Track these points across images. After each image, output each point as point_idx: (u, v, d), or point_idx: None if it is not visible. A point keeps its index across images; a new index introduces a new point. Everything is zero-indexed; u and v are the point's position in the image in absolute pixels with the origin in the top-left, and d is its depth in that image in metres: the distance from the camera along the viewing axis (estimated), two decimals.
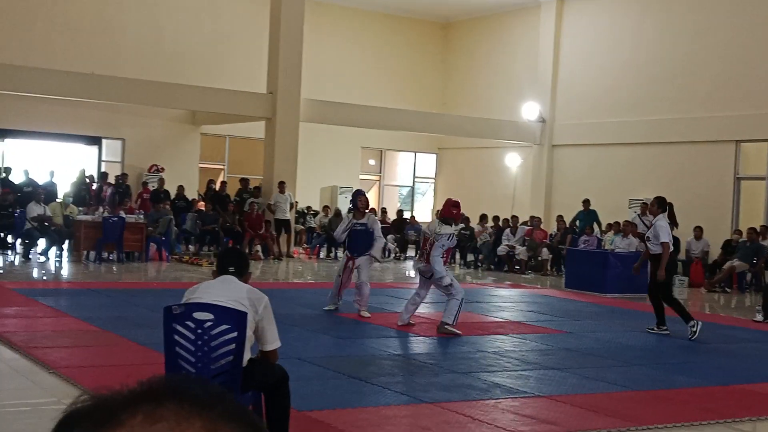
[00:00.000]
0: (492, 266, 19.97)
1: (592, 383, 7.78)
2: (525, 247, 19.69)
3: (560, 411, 6.72)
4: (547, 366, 8.48)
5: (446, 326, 9.94)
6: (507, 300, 14.28)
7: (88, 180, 20.33)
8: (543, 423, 6.32)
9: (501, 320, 11.68)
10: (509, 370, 8.17)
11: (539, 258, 19.66)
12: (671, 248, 10.77)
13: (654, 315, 11.09)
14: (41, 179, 19.25)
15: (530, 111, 23.80)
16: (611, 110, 22.08)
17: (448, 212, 10.28)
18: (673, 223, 11.01)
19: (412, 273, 18.37)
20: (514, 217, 20.82)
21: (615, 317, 12.69)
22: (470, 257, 20.88)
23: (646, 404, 7.15)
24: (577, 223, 20.28)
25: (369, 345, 9.20)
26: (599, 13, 22.66)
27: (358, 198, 11.34)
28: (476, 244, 20.62)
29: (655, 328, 10.97)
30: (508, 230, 20.26)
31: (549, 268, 19.67)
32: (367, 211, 11.61)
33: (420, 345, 9.50)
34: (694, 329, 10.50)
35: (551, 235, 20.40)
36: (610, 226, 18.81)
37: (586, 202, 20.48)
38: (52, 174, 19.49)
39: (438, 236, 9.99)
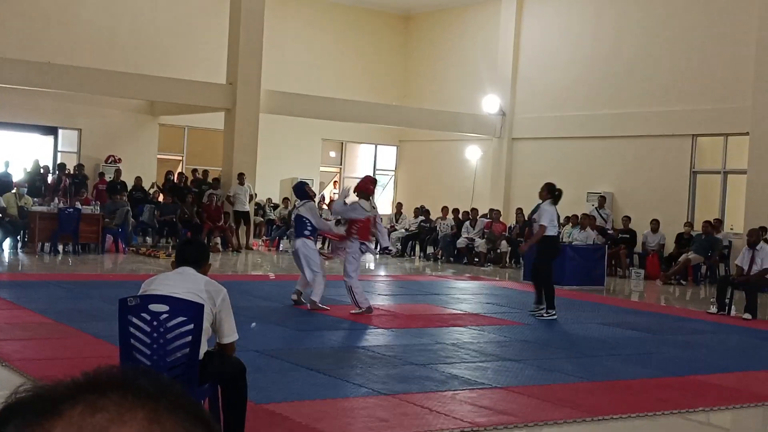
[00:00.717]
0: (451, 259, 20.05)
1: (548, 374, 7.84)
2: (484, 240, 19.78)
3: (517, 402, 6.77)
4: (505, 357, 8.53)
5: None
6: (466, 292, 14.35)
7: (42, 171, 20.03)
8: (500, 414, 6.36)
9: (460, 312, 11.73)
10: (467, 362, 8.20)
11: (498, 250, 19.78)
12: (550, 233, 11.40)
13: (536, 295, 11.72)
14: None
15: (490, 104, 23.89)
16: (571, 104, 22.24)
17: (365, 187, 11.01)
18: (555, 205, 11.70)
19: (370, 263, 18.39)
20: (474, 210, 20.90)
21: (572, 309, 12.78)
22: (430, 249, 20.94)
23: (601, 395, 7.23)
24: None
25: (327, 337, 9.19)
26: (559, 7, 22.79)
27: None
28: (437, 236, 20.67)
29: (544, 314, 11.33)
30: (467, 223, 20.34)
31: (508, 260, 19.79)
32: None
33: (378, 337, 9.51)
34: (549, 316, 11.16)
35: (510, 227, 20.52)
36: (568, 219, 18.96)
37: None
38: (6, 164, 19.16)
39: (372, 213, 10.85)
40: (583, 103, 21.96)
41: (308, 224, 10.89)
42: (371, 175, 11.42)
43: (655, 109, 20.27)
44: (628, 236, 19.04)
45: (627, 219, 19.26)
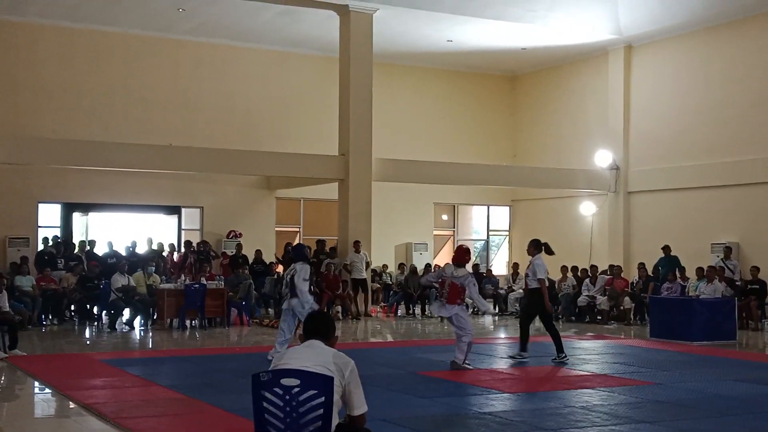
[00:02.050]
0: (573, 317, 19.65)
1: None
2: (606, 297, 19.35)
3: None
4: (638, 420, 8.25)
5: (459, 363, 11.37)
6: (591, 352, 14.00)
7: (168, 249, 20.77)
8: None
9: (586, 373, 11.45)
10: (599, 425, 7.98)
11: (621, 307, 19.28)
12: (547, 283, 12.60)
13: (520, 343, 12.70)
14: (124, 250, 19.77)
15: (603, 159, 23.59)
16: (686, 154, 21.75)
17: (461, 258, 11.90)
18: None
19: (490, 326, 18.18)
20: (593, 267, 20.51)
21: (704, 366, 12.33)
22: None
23: None
24: (659, 269, 19.87)
25: (453, 404, 9.10)
26: (667, 57, 22.47)
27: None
28: (556, 295, 20.32)
29: (517, 356, 12.45)
30: (587, 280, 19.96)
31: (632, 317, 19.27)
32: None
33: (505, 402, 9.36)
34: (563, 359, 12.26)
35: (632, 283, 20.01)
36: (697, 272, 18.28)
37: (666, 248, 20.09)
38: (134, 245, 19.97)
39: (457, 279, 11.56)
40: (698, 151, 21.45)
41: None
42: (464, 245, 12.31)
43: None
44: (757, 287, 18.28)
45: (756, 269, 18.52)
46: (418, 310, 20.92)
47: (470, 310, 20.90)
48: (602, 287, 19.63)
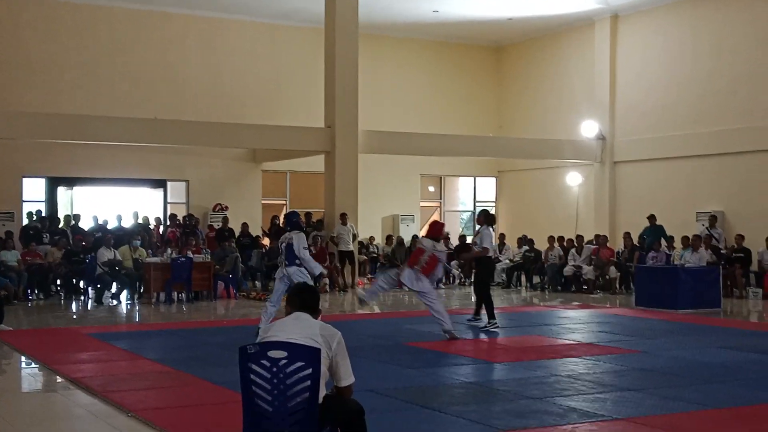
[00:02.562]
0: (559, 287, 19.76)
1: (671, 403, 7.62)
2: (592, 267, 19.45)
3: None
4: (623, 387, 8.33)
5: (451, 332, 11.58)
6: (577, 321, 14.10)
7: (155, 223, 20.71)
8: None
9: (572, 342, 11.53)
10: (585, 394, 8.05)
11: (607, 277, 19.40)
12: (490, 253, 13.03)
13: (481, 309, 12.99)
14: (109, 224, 19.70)
15: (589, 129, 23.60)
16: (672, 124, 21.78)
17: (439, 232, 12.35)
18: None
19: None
20: (579, 237, 20.60)
21: (689, 334, 12.44)
22: (536, 279, 20.69)
23: (728, 423, 6.99)
24: (645, 239, 19.97)
25: (440, 374, 9.15)
26: (654, 27, 22.44)
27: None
28: (542, 265, 20.43)
29: (489, 327, 12.55)
30: (573, 250, 20.05)
31: (617, 286, 19.39)
32: None
33: (492, 372, 9.43)
34: (493, 327, 12.48)
35: (618, 252, 20.11)
36: (682, 241, 18.37)
37: (652, 218, 20.18)
38: (119, 219, 19.90)
39: (439, 252, 11.83)
40: (684, 122, 21.48)
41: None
42: (438, 220, 12.80)
43: (763, 124, 19.66)
44: (742, 255, 18.42)
45: (740, 237, 18.65)
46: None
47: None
48: (588, 257, 19.72)
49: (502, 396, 7.95)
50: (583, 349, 10.83)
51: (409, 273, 11.69)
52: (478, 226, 13.40)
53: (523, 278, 21.27)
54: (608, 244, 20.34)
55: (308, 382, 4.85)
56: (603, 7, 22.89)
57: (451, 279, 21.43)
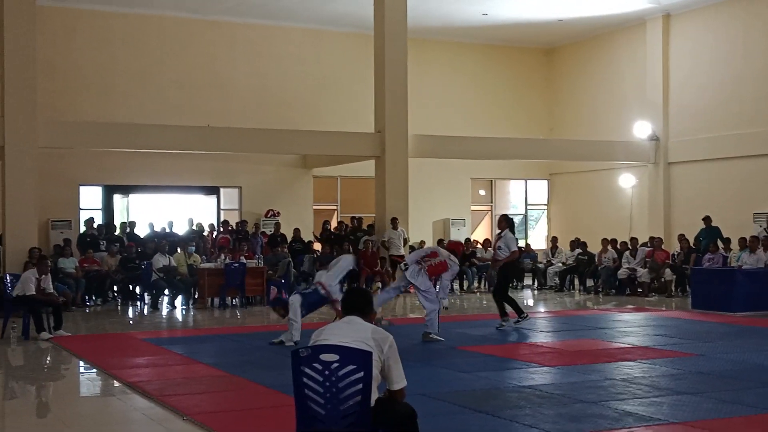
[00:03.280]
0: (613, 290, 19.53)
1: (729, 407, 7.49)
2: (647, 269, 19.18)
3: None
4: (680, 391, 8.20)
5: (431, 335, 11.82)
6: (632, 324, 13.91)
7: (209, 229, 20.94)
8: None
9: (627, 346, 11.39)
10: (640, 398, 7.94)
11: (662, 279, 19.11)
12: (518, 255, 13.58)
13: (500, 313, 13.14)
14: (164, 231, 19.97)
15: (642, 130, 23.31)
16: (727, 123, 21.41)
17: (459, 252, 13.37)
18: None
19: (529, 300, 18.12)
20: (633, 239, 20.35)
21: (747, 336, 12.20)
22: (590, 282, 20.47)
23: None
24: (701, 240, 19.65)
25: (493, 378, 9.10)
26: (706, 26, 22.09)
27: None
28: (596, 268, 20.20)
29: (505, 323, 13.00)
30: (627, 252, 19.79)
31: (673, 289, 19.10)
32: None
33: (545, 375, 9.35)
34: (524, 318, 13.16)
35: (673, 255, 19.81)
36: (739, 242, 18.03)
37: (707, 219, 19.85)
38: (170, 225, 20.14)
39: (451, 262, 12.22)
40: (739, 121, 21.11)
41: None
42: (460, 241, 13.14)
43: None
44: None
45: None
46: (456, 285, 20.90)
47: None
48: (643, 259, 19.46)
49: (556, 400, 7.88)
50: (639, 353, 10.68)
51: (413, 269, 12.01)
52: (498, 231, 13.69)
53: (576, 281, 21.06)
54: (663, 247, 20.05)
55: (360, 386, 4.86)
56: (654, 7, 22.60)
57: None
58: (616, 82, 24.70)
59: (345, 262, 12.29)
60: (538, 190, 27.32)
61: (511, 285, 14.33)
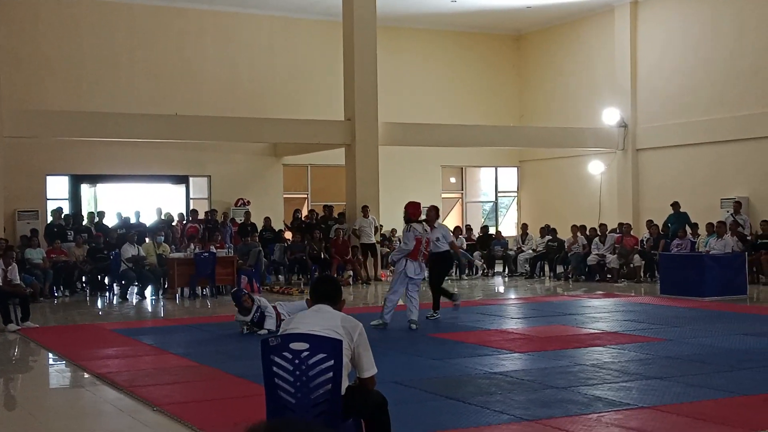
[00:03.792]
0: (583, 277, 19.66)
1: (697, 390, 7.57)
2: (616, 255, 19.33)
3: (667, 421, 6.55)
4: (649, 376, 8.27)
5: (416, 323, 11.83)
6: (601, 310, 14.01)
7: (177, 219, 20.78)
8: None
9: (597, 331, 11.46)
10: (610, 382, 8.00)
11: (631, 265, 19.27)
12: (446, 246, 12.97)
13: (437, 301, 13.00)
14: (132, 221, 19.79)
15: (610, 116, 23.45)
16: (696, 109, 21.59)
17: (418, 213, 12.27)
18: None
19: (499, 287, 18.20)
20: (602, 225, 20.48)
21: (715, 321, 12.33)
22: (560, 269, 20.59)
23: (757, 409, 6.92)
24: (669, 226, 19.82)
25: (463, 364, 9.13)
26: (675, 12, 22.23)
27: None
28: (566, 255, 20.32)
29: (435, 314, 12.82)
30: (596, 239, 19.93)
31: (642, 274, 19.26)
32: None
33: (515, 362, 9.39)
34: (437, 316, 12.77)
35: (642, 241, 19.97)
36: (707, 228, 18.20)
37: (676, 205, 20.03)
38: (137, 215, 19.96)
39: (431, 234, 12.26)
40: (707, 106, 21.29)
41: None
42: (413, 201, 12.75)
43: None
44: None
45: (766, 223, 18.44)
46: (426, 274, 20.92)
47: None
48: (612, 245, 19.60)
49: (526, 386, 7.92)
50: (608, 338, 10.76)
51: (415, 266, 11.93)
52: (743, 216, 13.57)
53: (546, 268, 21.17)
54: (632, 233, 20.21)
55: (330, 374, 4.84)
56: None
57: (474, 270, 21.36)
58: (586, 68, 24.81)
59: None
60: (509, 177, 27.41)
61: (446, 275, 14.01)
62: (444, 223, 24.48)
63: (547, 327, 12.05)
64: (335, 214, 20.77)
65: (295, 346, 4.89)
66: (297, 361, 4.87)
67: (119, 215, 20.03)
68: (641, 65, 23.08)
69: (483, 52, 26.49)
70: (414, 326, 11.73)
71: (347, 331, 4.97)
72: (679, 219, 19.66)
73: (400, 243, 12.46)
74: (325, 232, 20.03)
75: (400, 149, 22.20)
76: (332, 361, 4.84)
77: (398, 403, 6.38)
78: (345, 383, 4.95)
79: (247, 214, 20.81)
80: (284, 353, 4.90)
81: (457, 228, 21.99)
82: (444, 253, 12.93)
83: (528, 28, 26.34)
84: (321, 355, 4.85)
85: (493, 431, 6.44)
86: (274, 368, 4.93)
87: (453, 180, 26.82)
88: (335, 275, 18.13)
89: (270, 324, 11.33)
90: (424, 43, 25.55)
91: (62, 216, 19.30)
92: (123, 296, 16.85)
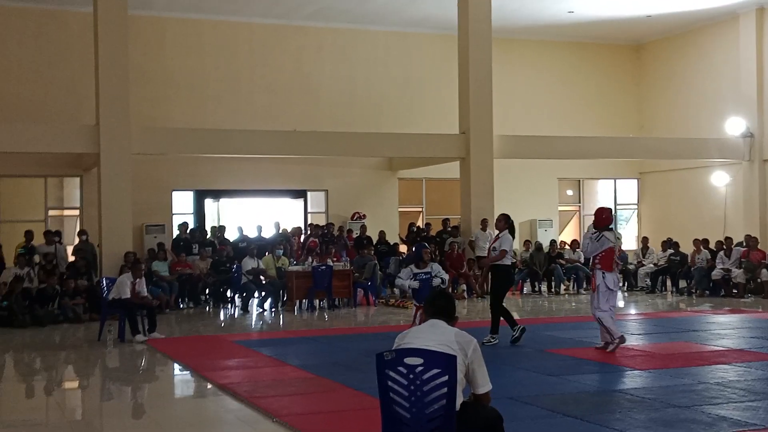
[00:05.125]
0: (707, 292, 19.02)
1: None
2: (742, 270, 18.63)
3: None
4: None
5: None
6: (726, 327, 13.53)
7: (282, 231, 21.12)
8: None
9: (722, 348, 11.08)
10: (735, 402, 7.72)
11: (758, 280, 18.53)
12: (507, 262, 11.96)
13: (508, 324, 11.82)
14: (252, 235, 20.30)
15: (735, 126, 22.65)
16: None
17: (609, 220, 11.09)
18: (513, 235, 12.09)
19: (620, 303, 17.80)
20: (728, 239, 19.78)
21: None
22: (682, 283, 19.98)
23: None
24: None
25: (580, 381, 8.98)
26: None
27: (423, 251, 11.78)
28: (689, 269, 19.71)
29: (492, 338, 11.63)
30: (721, 253, 19.26)
31: None
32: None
33: (635, 379, 9.17)
34: (517, 335, 11.63)
35: None
36: None
37: None
38: (259, 229, 20.45)
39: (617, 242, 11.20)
40: None
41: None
42: (603, 206, 11.30)
43: None
44: None
45: None
46: (544, 287, 20.70)
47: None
48: (738, 259, 18.90)
49: (647, 404, 7.73)
50: (734, 356, 10.39)
51: (614, 277, 10.97)
52: (496, 231, 12.55)
53: (668, 283, 20.59)
54: (759, 246, 19.44)
55: (445, 389, 4.87)
56: (747, 0, 21.93)
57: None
58: (708, 77, 24.06)
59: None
60: (628, 189, 26.79)
61: (506, 292, 12.35)
62: (561, 236, 24.23)
63: (670, 344, 11.71)
64: (449, 227, 20.75)
65: (410, 360, 4.93)
66: (411, 376, 4.91)
67: (240, 229, 20.56)
68: (767, 73, 22.23)
69: (601, 63, 26.04)
70: (612, 347, 10.80)
71: (461, 347, 4.99)
72: None
73: (588, 248, 11.10)
74: (440, 246, 20.04)
75: (516, 162, 22.03)
76: (446, 377, 4.87)
77: (513, 420, 6.34)
78: (460, 399, 4.96)
79: (363, 227, 21.04)
80: (399, 368, 4.95)
81: (574, 241, 21.64)
82: (507, 267, 12.02)
83: (648, 38, 25.74)
84: (435, 371, 4.88)
85: None
86: (389, 382, 4.99)
87: (570, 192, 26.41)
88: (450, 289, 18.11)
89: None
90: (540, 54, 25.30)
91: (188, 230, 19.96)
92: (244, 308, 17.29)
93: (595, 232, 10.99)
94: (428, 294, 10.53)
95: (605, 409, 7.56)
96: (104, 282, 14.36)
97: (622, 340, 10.90)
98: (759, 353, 10.57)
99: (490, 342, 11.49)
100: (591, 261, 11.22)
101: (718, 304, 17.26)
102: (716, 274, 18.97)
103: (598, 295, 10.91)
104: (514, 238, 12.18)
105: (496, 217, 12.05)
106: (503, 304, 11.93)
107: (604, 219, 11.03)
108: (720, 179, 23.47)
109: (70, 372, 11.28)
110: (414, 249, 12.29)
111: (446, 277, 11.79)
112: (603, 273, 10.86)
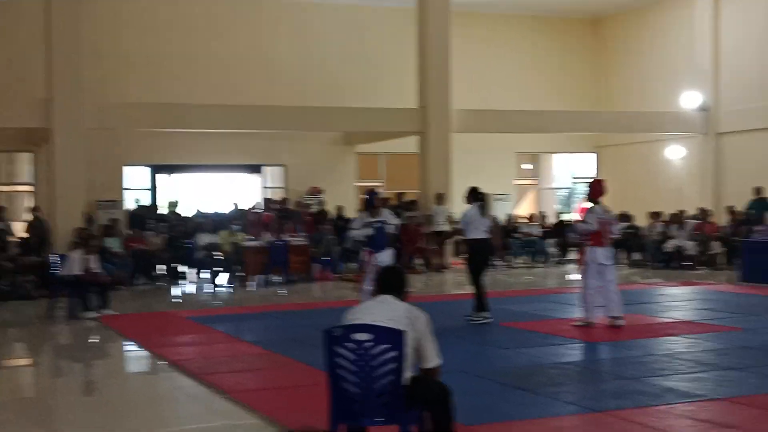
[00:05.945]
0: (661, 264, 19.26)
1: None
2: (695, 242, 18.88)
3: (740, 414, 6.39)
4: (724, 366, 8.08)
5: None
6: (677, 299, 13.72)
7: (234, 206, 20.99)
8: (722, 427, 6.03)
9: (671, 320, 11.24)
10: (683, 373, 7.84)
11: (710, 252, 18.80)
12: (480, 233, 11.44)
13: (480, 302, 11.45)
14: (207, 210, 20.11)
15: (691, 100, 22.87)
16: None
17: (602, 192, 11.01)
18: (485, 211, 11.73)
19: (574, 276, 17.97)
20: (681, 212, 20.02)
21: None
22: (637, 256, 20.21)
23: None
24: (750, 212, 19.26)
25: (534, 354, 9.05)
26: None
27: (375, 197, 11.78)
28: (641, 241, 19.94)
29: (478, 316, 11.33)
30: (675, 226, 19.49)
31: (723, 261, 18.76)
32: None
33: (586, 351, 9.28)
34: (478, 319, 11.15)
35: (722, 227, 19.45)
36: None
37: (758, 190, 19.45)
38: (215, 204, 20.24)
39: (611, 216, 11.08)
40: None
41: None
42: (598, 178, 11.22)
43: None
44: None
45: None
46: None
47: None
48: (690, 232, 19.15)
49: (596, 376, 7.83)
50: (682, 328, 10.54)
51: (605, 252, 10.89)
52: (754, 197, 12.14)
53: (623, 255, 20.80)
54: (714, 219, 19.70)
55: (394, 365, 4.87)
56: None
57: (547, 257, 21.13)
58: (665, 51, 24.23)
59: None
60: (585, 164, 26.98)
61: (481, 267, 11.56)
62: (517, 209, 24.36)
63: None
64: (404, 201, 20.72)
65: (359, 336, 4.93)
66: (360, 352, 4.91)
67: (195, 205, 20.32)
68: (723, 46, 22.41)
69: (558, 37, 26.08)
70: (620, 322, 10.52)
71: (411, 322, 5.00)
72: (760, 205, 19.09)
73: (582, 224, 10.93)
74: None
75: (474, 136, 22.05)
76: (396, 352, 4.87)
77: (466, 394, 6.36)
78: (408, 373, 4.97)
79: (321, 202, 20.95)
80: (347, 344, 4.95)
81: (531, 215, 21.78)
82: (472, 242, 11.48)
83: (605, 12, 25.82)
84: (384, 346, 4.89)
85: (562, 422, 6.38)
86: (337, 358, 4.98)
87: (527, 166, 26.53)
88: (407, 261, 18.16)
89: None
90: (498, 28, 25.27)
91: (141, 205, 19.70)
92: (198, 284, 17.15)
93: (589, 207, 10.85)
94: (379, 240, 10.62)
95: (556, 382, 7.63)
96: (53, 259, 14.15)
97: (590, 324, 10.65)
98: (708, 324, 10.74)
99: (486, 320, 11.20)
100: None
101: (670, 276, 17.49)
102: (669, 246, 19.21)
103: (587, 270, 10.78)
104: (486, 210, 11.83)
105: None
106: (481, 282, 11.43)
107: (599, 191, 10.97)
108: (676, 152, 23.72)
109: (19, 349, 11.13)
110: (366, 195, 12.05)
111: (397, 221, 11.81)
112: (594, 248, 10.76)
